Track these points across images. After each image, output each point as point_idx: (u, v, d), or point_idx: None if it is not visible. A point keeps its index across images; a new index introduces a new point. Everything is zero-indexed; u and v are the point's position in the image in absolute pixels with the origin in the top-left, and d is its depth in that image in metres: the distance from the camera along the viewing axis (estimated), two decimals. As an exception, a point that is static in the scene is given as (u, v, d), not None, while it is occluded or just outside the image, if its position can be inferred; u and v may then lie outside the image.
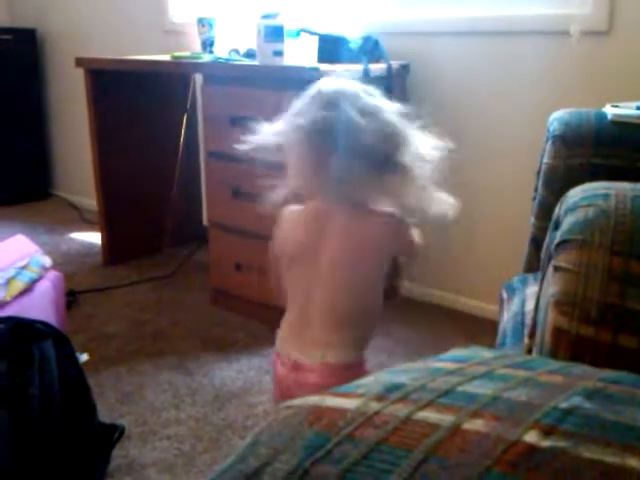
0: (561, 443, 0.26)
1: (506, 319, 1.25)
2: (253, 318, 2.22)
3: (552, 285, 0.61)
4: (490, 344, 2.02)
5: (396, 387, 0.30)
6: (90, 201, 3.57)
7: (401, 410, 0.28)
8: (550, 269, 0.66)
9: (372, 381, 0.32)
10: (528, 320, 1.17)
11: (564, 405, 0.28)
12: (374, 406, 0.29)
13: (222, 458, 1.52)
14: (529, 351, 0.86)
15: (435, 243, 2.35)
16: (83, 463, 1.43)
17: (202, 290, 2.44)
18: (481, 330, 2.16)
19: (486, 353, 0.36)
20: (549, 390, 0.30)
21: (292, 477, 0.25)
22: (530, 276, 1.42)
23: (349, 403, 0.29)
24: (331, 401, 0.30)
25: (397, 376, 0.32)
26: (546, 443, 0.26)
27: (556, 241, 0.64)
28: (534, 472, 0.25)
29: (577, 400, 0.29)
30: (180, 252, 2.86)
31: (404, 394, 0.30)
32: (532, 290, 1.29)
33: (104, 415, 1.59)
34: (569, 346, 0.58)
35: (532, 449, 0.26)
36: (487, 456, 0.25)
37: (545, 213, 1.43)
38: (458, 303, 2.33)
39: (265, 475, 0.26)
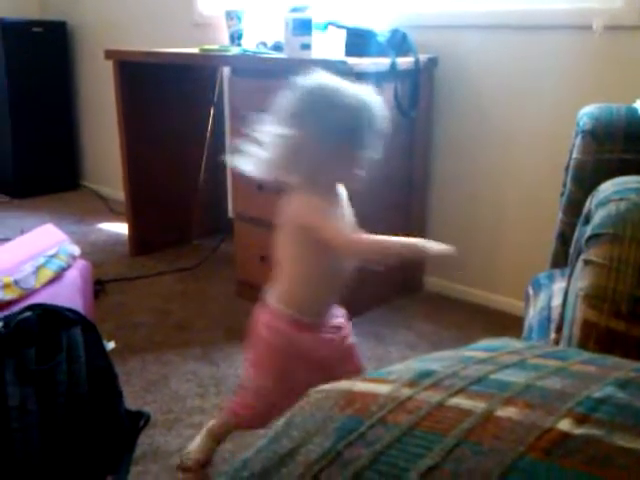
0: (594, 431, 0.26)
1: (532, 314, 1.25)
2: (277, 310, 2.23)
3: (582, 279, 0.61)
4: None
5: (427, 374, 0.31)
6: (118, 192, 3.60)
7: (433, 396, 0.29)
8: (580, 263, 0.65)
9: (403, 368, 0.33)
10: (554, 315, 1.17)
11: (597, 394, 0.28)
12: (406, 392, 0.29)
13: (245, 447, 1.53)
14: (556, 345, 0.85)
15: (461, 239, 2.34)
16: (109, 449, 1.45)
17: (227, 282, 2.46)
18: (506, 325, 2.14)
19: (517, 343, 0.36)
20: (582, 379, 0.30)
21: (325, 459, 0.26)
22: (557, 272, 1.41)
23: (381, 388, 0.30)
24: (362, 386, 0.31)
25: (428, 363, 0.32)
26: (579, 431, 0.26)
27: (587, 235, 0.63)
28: (567, 459, 0.25)
29: (610, 390, 0.29)
30: (206, 243, 2.88)
31: (436, 381, 0.30)
32: (559, 286, 1.28)
33: (130, 402, 1.61)
34: (599, 339, 0.57)
35: (565, 437, 0.26)
36: (521, 443, 0.25)
37: (573, 209, 1.42)
38: (482, 298, 2.32)
39: (299, 456, 0.26)
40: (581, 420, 0.27)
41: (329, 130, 1.19)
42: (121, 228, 3.10)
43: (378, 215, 2.22)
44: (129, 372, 1.83)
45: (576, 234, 0.78)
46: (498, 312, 2.25)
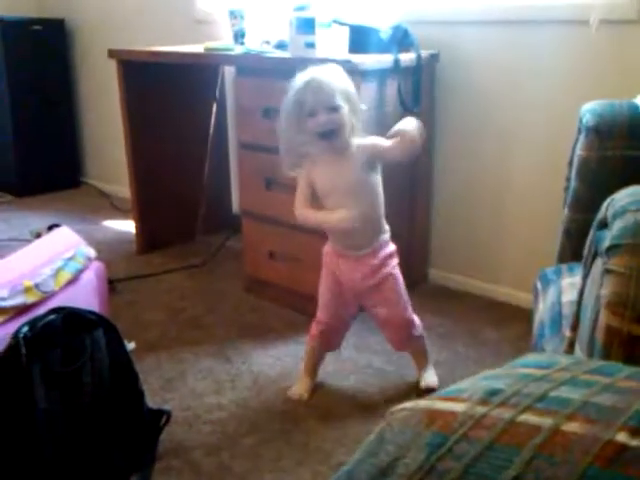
0: (648, 443, 0.31)
1: (542, 310, 1.30)
2: (286, 306, 2.27)
3: (604, 287, 0.66)
4: (520, 331, 2.06)
5: (495, 392, 0.35)
6: (120, 188, 3.64)
7: (504, 413, 0.33)
8: (599, 269, 0.70)
9: (471, 386, 0.37)
10: (565, 311, 1.22)
11: (644, 409, 0.33)
12: (480, 409, 0.34)
13: (265, 442, 1.58)
14: (571, 344, 0.90)
15: (464, 232, 2.39)
16: (133, 447, 1.50)
17: (236, 278, 2.50)
18: (511, 317, 2.20)
19: (562, 359, 0.41)
20: (629, 395, 0.35)
21: (421, 471, 0.30)
22: (564, 267, 1.45)
23: (457, 407, 0.34)
24: (440, 404, 0.35)
25: (492, 382, 0.37)
26: (635, 442, 0.31)
27: (607, 244, 0.68)
28: (629, 467, 0.29)
29: (655, 404, 0.33)
30: (211, 240, 2.93)
31: (504, 399, 0.34)
32: (567, 281, 1.33)
33: (148, 400, 1.65)
34: (621, 344, 0.62)
35: (624, 448, 0.31)
36: (587, 453, 0.30)
37: (579, 205, 1.47)
38: (486, 290, 2.37)
39: (398, 469, 0.30)
40: (634, 432, 0.31)
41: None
42: (126, 225, 3.14)
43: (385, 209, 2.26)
44: (145, 370, 1.88)
45: (590, 236, 0.83)
46: (502, 304, 2.30)
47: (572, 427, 0.32)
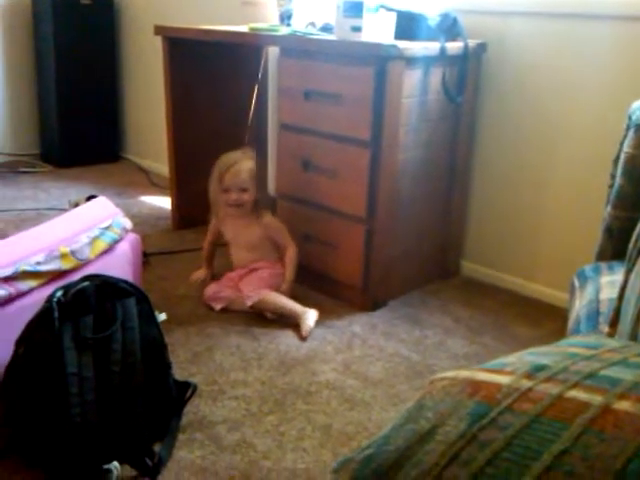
0: None
1: (579, 306, 1.27)
2: (317, 289, 2.27)
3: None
4: (552, 329, 2.03)
5: (542, 367, 0.34)
6: (158, 165, 3.67)
7: (552, 388, 0.32)
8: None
9: (516, 360, 0.36)
10: (602, 308, 1.19)
11: (700, 393, 0.31)
12: (525, 383, 0.32)
13: (288, 420, 1.58)
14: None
15: (500, 226, 2.36)
16: (158, 417, 1.51)
17: (267, 259, 2.50)
18: (542, 314, 2.16)
19: (611, 341, 0.39)
20: (683, 379, 0.33)
21: (462, 439, 0.29)
22: (603, 265, 1.42)
23: (501, 379, 0.33)
24: (483, 375, 0.34)
25: (538, 357, 0.35)
26: (690, 425, 0.29)
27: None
28: (684, 449, 0.28)
29: None
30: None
31: (551, 374, 0.33)
32: (607, 280, 1.30)
33: (175, 373, 1.67)
34: (668, 338, 0.60)
35: (678, 430, 0.29)
36: (640, 433, 0.29)
37: (622, 202, 1.43)
38: (518, 286, 2.34)
39: (438, 435, 0.29)
40: (689, 415, 0.30)
41: None
42: (163, 201, 3.17)
43: (419, 197, 2.24)
44: (174, 343, 1.89)
45: (637, 231, 0.80)
46: (534, 300, 2.27)
47: (624, 406, 0.31)
